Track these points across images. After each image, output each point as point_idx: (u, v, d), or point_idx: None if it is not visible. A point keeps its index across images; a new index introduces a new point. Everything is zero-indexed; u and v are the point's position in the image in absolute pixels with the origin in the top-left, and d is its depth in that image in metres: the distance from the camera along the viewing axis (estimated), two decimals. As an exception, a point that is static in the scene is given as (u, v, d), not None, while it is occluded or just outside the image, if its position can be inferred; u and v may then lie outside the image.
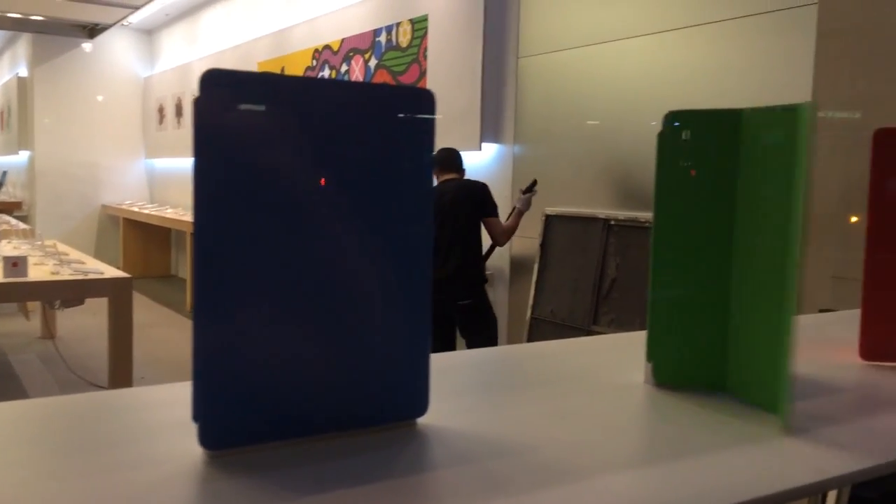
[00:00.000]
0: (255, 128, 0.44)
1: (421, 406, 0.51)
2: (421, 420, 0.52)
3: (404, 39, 3.96)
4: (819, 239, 2.41)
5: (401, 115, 0.49)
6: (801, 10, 2.47)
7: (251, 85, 0.45)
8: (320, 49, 4.74)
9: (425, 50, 3.81)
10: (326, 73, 4.68)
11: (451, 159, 2.97)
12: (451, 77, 3.64)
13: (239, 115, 0.44)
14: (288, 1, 5.29)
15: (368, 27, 4.27)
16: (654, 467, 0.45)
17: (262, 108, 0.44)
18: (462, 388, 0.61)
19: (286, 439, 0.47)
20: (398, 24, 4.02)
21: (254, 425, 0.46)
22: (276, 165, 0.45)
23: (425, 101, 0.50)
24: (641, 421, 0.54)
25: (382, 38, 4.16)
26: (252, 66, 5.51)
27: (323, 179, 0.46)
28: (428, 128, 0.50)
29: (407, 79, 3.93)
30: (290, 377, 0.47)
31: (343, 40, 4.51)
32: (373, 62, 4.23)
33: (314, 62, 4.79)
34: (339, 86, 0.49)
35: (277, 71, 5.21)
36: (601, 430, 0.51)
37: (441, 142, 3.71)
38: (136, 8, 6.31)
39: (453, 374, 0.64)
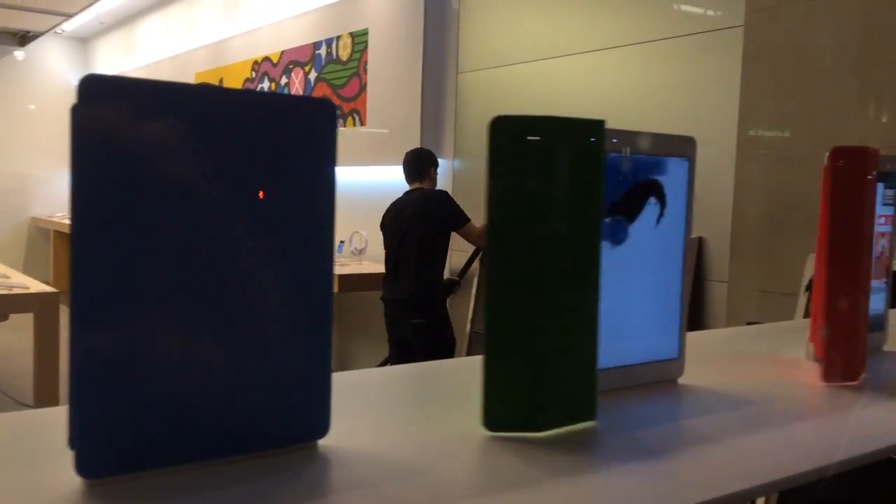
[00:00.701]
0: (138, 135, 0.42)
1: (321, 427, 0.49)
2: (322, 442, 0.50)
3: (345, 53, 3.94)
4: (745, 254, 2.48)
5: (300, 125, 0.48)
6: (728, 32, 2.55)
7: (133, 91, 0.42)
8: (260, 61, 4.68)
9: (365, 64, 3.79)
10: (266, 85, 4.62)
11: (417, 166, 2.93)
12: (391, 91, 3.64)
13: (120, 122, 0.42)
14: (227, 12, 5.22)
15: (308, 40, 4.24)
16: (550, 488, 0.44)
17: (146, 115, 0.42)
18: (369, 407, 0.59)
19: (173, 465, 0.45)
20: (338, 38, 4.00)
21: (136, 450, 0.44)
22: (160, 173, 0.43)
23: (326, 111, 0.49)
24: (547, 440, 0.53)
25: (322, 51, 4.13)
26: (189, 76, 5.41)
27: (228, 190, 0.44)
28: (328, 138, 0.49)
29: (347, 92, 3.91)
30: (177, 397, 0.45)
31: (283, 52, 4.47)
32: (313, 75, 4.20)
33: (253, 74, 4.73)
34: (232, 94, 0.47)
35: (216, 82, 5.13)
36: (502, 451, 0.50)
37: (378, 156, 3.70)
38: (70, 16, 6.14)
39: (362, 392, 0.63)
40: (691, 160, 0.68)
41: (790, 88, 2.33)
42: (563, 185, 0.52)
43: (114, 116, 0.42)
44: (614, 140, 0.63)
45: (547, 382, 0.52)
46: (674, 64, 2.75)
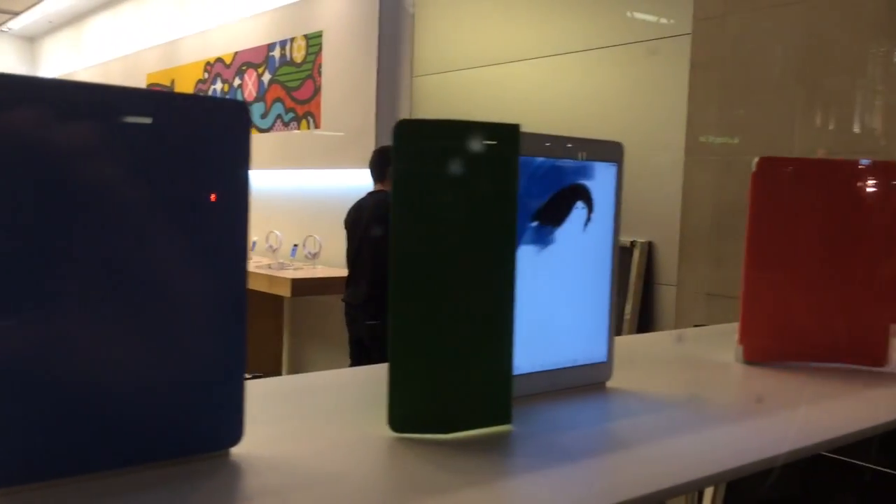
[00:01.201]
0: (48, 136, 0.41)
1: (234, 435, 0.48)
2: (235, 450, 0.49)
3: (299, 55, 3.91)
4: (693, 258, 2.51)
5: (213, 127, 0.47)
6: (676, 40, 2.59)
7: (43, 92, 0.41)
8: (212, 62, 4.62)
9: (320, 66, 3.77)
10: (219, 86, 4.56)
11: (379, 166, 2.91)
12: (346, 94, 3.62)
13: (30, 123, 0.40)
14: (179, 11, 5.14)
15: (262, 41, 4.19)
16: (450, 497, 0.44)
17: (56, 115, 0.41)
18: (288, 414, 0.58)
19: (78, 474, 0.43)
20: (292, 40, 3.97)
21: (41, 458, 0.42)
22: (69, 174, 0.42)
23: (238, 112, 0.48)
24: (458, 444, 0.52)
25: (276, 53, 4.09)
26: (140, 77, 5.31)
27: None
28: (241, 140, 0.48)
29: (301, 94, 3.88)
30: (84, 403, 0.43)
31: (236, 54, 4.41)
32: (266, 77, 4.16)
33: (206, 75, 4.66)
34: (143, 95, 0.46)
35: (167, 84, 5.05)
36: (411, 455, 0.49)
37: (333, 159, 3.68)
38: (17, 13, 5.98)
39: (282, 398, 0.62)
40: (619, 165, 0.68)
41: (736, 96, 2.37)
42: (473, 189, 0.52)
43: (23, 117, 0.40)
44: (544, 144, 0.63)
45: (453, 385, 0.52)
46: (624, 70, 2.78)
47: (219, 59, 4.55)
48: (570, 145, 0.65)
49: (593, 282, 0.67)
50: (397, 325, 0.51)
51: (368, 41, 3.50)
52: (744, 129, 2.37)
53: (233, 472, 0.46)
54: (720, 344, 0.88)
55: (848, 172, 0.82)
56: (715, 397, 0.69)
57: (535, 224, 0.62)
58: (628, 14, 2.81)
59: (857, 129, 2.12)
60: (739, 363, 0.80)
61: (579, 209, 0.65)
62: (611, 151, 0.68)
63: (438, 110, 3.43)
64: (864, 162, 0.81)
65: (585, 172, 0.66)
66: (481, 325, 0.53)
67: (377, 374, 0.51)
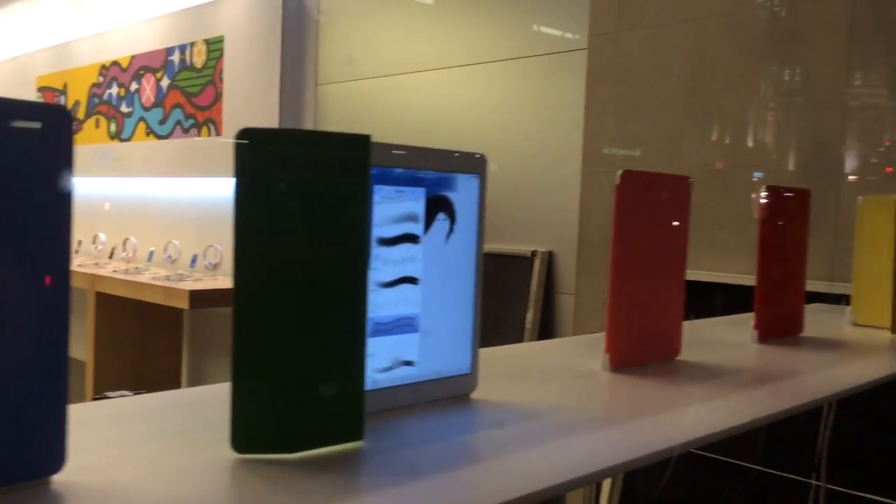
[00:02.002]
0: None
1: (55, 461, 0.45)
2: (56, 477, 0.45)
3: (199, 60, 3.80)
4: (591, 267, 2.57)
5: (31, 133, 0.44)
6: (573, 54, 2.65)
7: None
8: (108, 65, 4.44)
9: (221, 72, 3.68)
10: (115, 90, 4.38)
11: None
12: (248, 101, 3.54)
13: None
14: (72, 12, 4.92)
15: (161, 45, 4.06)
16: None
17: None
18: (122, 438, 0.55)
19: None
20: (193, 44, 3.86)
21: None
22: None
23: (60, 118, 0.45)
24: (305, 463, 0.51)
25: (176, 58, 3.96)
26: (30, 80, 5.05)
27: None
28: (63, 147, 0.45)
29: (202, 101, 3.77)
30: None
31: (133, 57, 4.26)
32: (165, 82, 4.02)
33: (101, 79, 4.47)
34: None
35: (59, 87, 4.82)
36: (252, 476, 0.48)
37: (228, 169, 3.58)
38: None
39: (116, 421, 0.59)
40: (482, 176, 0.68)
41: (631, 109, 2.45)
42: (322, 201, 0.51)
43: None
44: (403, 155, 0.63)
45: (300, 402, 0.51)
46: (526, 82, 2.83)
47: (115, 63, 4.38)
48: (430, 156, 0.64)
49: (457, 293, 0.67)
50: (239, 341, 0.49)
51: (271, 47, 3.44)
52: (638, 142, 2.45)
53: (51, 501, 0.43)
54: (591, 352, 0.90)
55: (682, 186, 0.86)
56: (577, 406, 0.70)
57: (395, 234, 0.62)
58: (527, 28, 2.86)
59: (750, 144, 2.22)
60: (606, 371, 0.82)
61: (441, 220, 0.65)
62: (473, 163, 0.68)
63: (343, 119, 3.40)
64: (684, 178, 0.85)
65: (447, 184, 0.66)
66: (331, 340, 0.52)
67: (225, 393, 0.49)
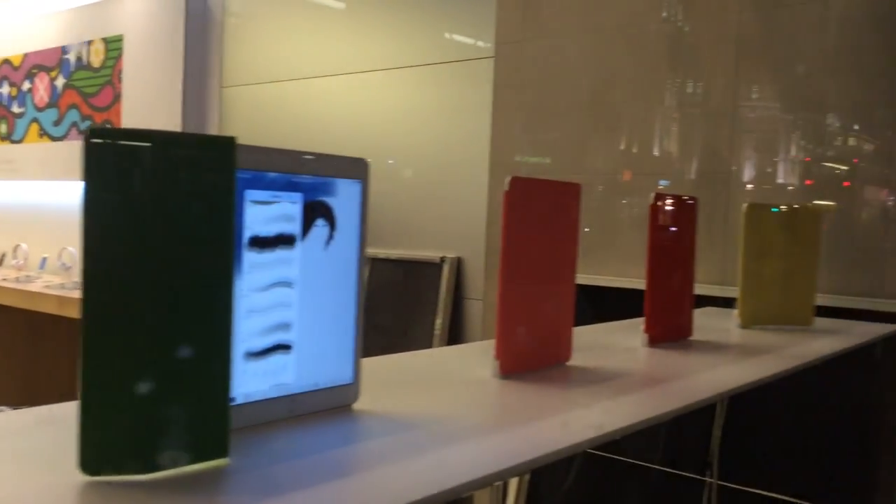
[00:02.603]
0: None
1: None
2: None
3: (97, 59, 3.64)
4: (495, 274, 2.59)
5: None
6: (482, 62, 2.67)
7: None
8: (-2, 62, 4.20)
9: (120, 72, 3.53)
10: (6, 89, 4.15)
11: None
12: (149, 102, 3.41)
13: None
14: (-42, 5, 4.63)
15: (56, 43, 3.87)
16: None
17: None
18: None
19: None
20: (90, 43, 3.69)
21: None
22: None
23: None
24: (162, 483, 0.48)
25: (72, 56, 3.79)
26: (-89, 75, 4.72)
27: None
28: None
29: (100, 101, 3.61)
30: None
31: (26, 55, 4.04)
32: (60, 81, 3.83)
33: (-10, 76, 4.22)
34: None
35: (-56, 83, 4.52)
36: (103, 499, 0.45)
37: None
38: None
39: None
40: (364, 182, 0.67)
41: (537, 117, 2.48)
42: (179, 205, 0.48)
43: None
44: (279, 159, 0.61)
45: (154, 419, 0.48)
46: (435, 88, 2.84)
47: (6, 61, 4.14)
48: (308, 161, 0.62)
49: (337, 300, 0.65)
50: (88, 354, 0.46)
51: (174, 48, 3.32)
52: (545, 150, 2.49)
53: None
54: (483, 359, 0.89)
55: (572, 192, 0.87)
56: (462, 414, 0.70)
57: (269, 236, 0.59)
58: (441, 34, 2.87)
59: (651, 152, 2.29)
60: (496, 378, 0.81)
61: (320, 227, 0.63)
62: (355, 168, 0.66)
63: (250, 123, 3.32)
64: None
65: (327, 189, 0.64)
66: (191, 352, 0.49)
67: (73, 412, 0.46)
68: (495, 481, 0.56)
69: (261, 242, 0.59)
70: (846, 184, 1.83)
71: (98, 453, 0.46)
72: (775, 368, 1.02)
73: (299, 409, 0.63)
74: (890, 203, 1.75)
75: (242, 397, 0.58)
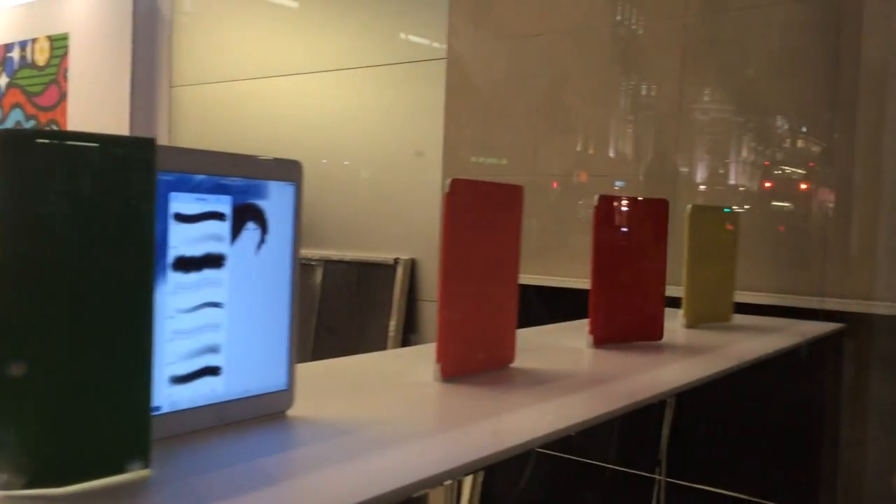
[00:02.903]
0: None
1: None
2: None
3: (41, 58, 3.55)
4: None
5: None
6: (436, 63, 2.67)
7: None
8: (-64, 60, 4.06)
9: (66, 71, 3.44)
10: (-55, 88, 4.01)
11: None
12: (96, 102, 3.33)
13: None
14: None
15: (-2, 40, 3.76)
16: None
17: None
18: None
19: None
20: (34, 41, 3.59)
21: None
22: None
23: None
24: (78, 496, 0.47)
25: (15, 55, 3.68)
26: None
27: None
28: None
29: (45, 101, 3.52)
30: None
31: (-34, 52, 3.91)
32: (3, 80, 3.72)
33: (-72, 74, 4.08)
34: None
35: None
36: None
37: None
38: None
39: None
40: (297, 184, 0.65)
41: (490, 119, 2.49)
42: (93, 209, 0.47)
43: None
44: (207, 161, 0.59)
45: (69, 429, 0.46)
46: (389, 90, 2.82)
47: (-55, 57, 4.01)
48: (238, 162, 0.61)
49: (270, 306, 0.64)
50: (-3, 365, 0.44)
51: (121, 46, 3.25)
52: (498, 152, 2.49)
53: None
54: (426, 362, 0.89)
55: (515, 194, 0.87)
56: (400, 418, 0.69)
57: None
58: (395, 35, 2.86)
59: (603, 154, 2.31)
60: (438, 381, 0.81)
61: (251, 230, 0.62)
62: (288, 170, 0.65)
63: (200, 123, 3.27)
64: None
65: (258, 192, 0.63)
66: (109, 360, 0.48)
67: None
68: (428, 487, 0.55)
69: (186, 263, 0.57)
70: (804, 186, 1.87)
71: (8, 465, 0.44)
72: (717, 367, 1.03)
73: (229, 417, 0.61)
74: (832, 204, 1.79)
75: (167, 406, 0.57)
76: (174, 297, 0.56)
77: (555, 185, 2.35)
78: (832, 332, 1.61)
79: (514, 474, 2.34)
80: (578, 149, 2.34)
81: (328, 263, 2.87)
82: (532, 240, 2.31)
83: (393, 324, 2.70)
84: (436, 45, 2.82)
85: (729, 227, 1.42)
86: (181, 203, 0.56)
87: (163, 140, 3.32)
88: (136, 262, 0.49)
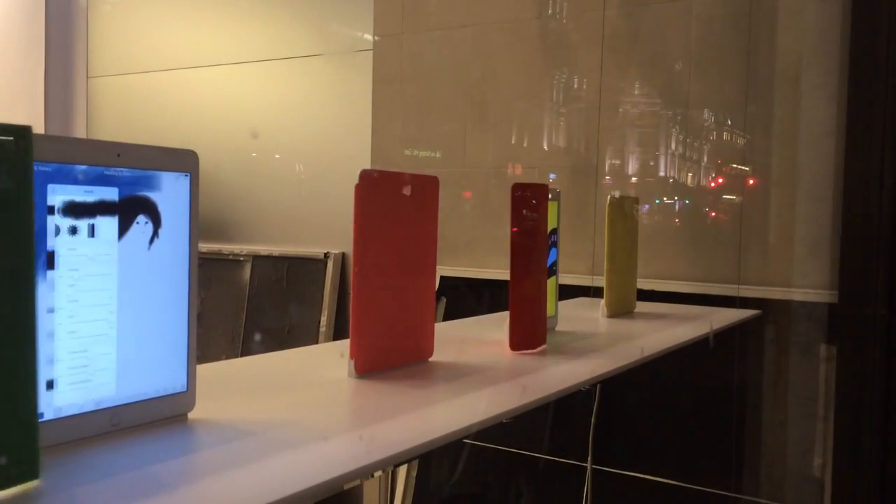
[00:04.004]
0: None
1: None
2: None
3: (-53, 46, 3.36)
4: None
5: None
6: (363, 54, 2.63)
7: None
8: None
9: (-26, 60, 3.27)
10: None
11: None
12: (8, 93, 3.18)
13: None
14: None
15: None
16: None
17: None
18: None
19: None
20: (-61, 28, 3.40)
21: None
22: None
23: None
24: None
25: (-82, 42, 3.48)
26: None
27: None
28: None
29: (-49, 92, 3.34)
30: None
31: None
32: None
33: None
34: None
35: None
36: None
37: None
38: None
39: None
40: (193, 175, 0.62)
41: (417, 111, 2.47)
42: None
43: None
44: (91, 151, 0.56)
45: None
46: (315, 81, 2.78)
47: None
48: (125, 152, 0.58)
49: (165, 304, 0.61)
50: None
51: (34, 36, 3.11)
52: (426, 144, 2.47)
53: None
54: (341, 359, 0.87)
55: (430, 185, 0.86)
56: (310, 417, 0.67)
57: (74, 238, 0.54)
58: (322, 26, 2.81)
59: (531, 145, 2.31)
60: (352, 377, 0.79)
61: (141, 224, 0.59)
62: (182, 161, 0.62)
63: (120, 115, 3.16)
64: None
65: (149, 183, 0.59)
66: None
67: None
68: (334, 487, 0.53)
69: (64, 258, 0.53)
70: (723, 178, 1.91)
71: None
72: (635, 356, 1.04)
73: (124, 422, 0.58)
74: (750, 195, 1.84)
75: (52, 412, 0.53)
76: (52, 294, 0.53)
77: (484, 178, 2.35)
78: (749, 318, 1.66)
79: (448, 466, 2.34)
80: (511, 141, 2.34)
81: (257, 259, 2.80)
82: (463, 233, 2.30)
83: (324, 319, 2.66)
84: (367, 36, 2.78)
85: (633, 217, 1.44)
86: (60, 195, 0.53)
87: (80, 133, 3.19)
88: (12, 259, 0.45)
